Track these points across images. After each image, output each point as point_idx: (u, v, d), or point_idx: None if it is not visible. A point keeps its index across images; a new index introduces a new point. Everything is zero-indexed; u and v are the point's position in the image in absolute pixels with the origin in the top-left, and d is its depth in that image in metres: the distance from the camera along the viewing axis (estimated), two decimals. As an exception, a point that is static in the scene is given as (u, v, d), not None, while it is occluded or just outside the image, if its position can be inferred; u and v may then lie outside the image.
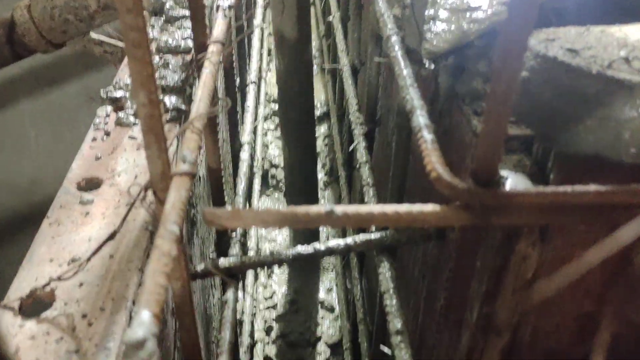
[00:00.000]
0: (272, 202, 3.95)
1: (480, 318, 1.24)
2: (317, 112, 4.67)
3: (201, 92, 1.05)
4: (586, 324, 1.25)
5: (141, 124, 0.76)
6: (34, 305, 0.98)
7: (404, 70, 1.11)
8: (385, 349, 1.36)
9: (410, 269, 1.84)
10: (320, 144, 4.34)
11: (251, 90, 2.52)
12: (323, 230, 3.57)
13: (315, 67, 5.28)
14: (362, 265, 2.34)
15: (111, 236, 1.01)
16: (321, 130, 4.52)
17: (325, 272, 3.40)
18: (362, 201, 2.20)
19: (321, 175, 4.09)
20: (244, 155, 1.87)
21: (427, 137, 0.88)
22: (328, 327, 3.07)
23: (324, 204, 0.76)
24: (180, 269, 0.83)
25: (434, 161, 0.84)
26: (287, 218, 0.78)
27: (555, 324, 1.25)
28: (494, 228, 1.03)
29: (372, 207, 0.79)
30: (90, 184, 1.25)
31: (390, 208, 0.79)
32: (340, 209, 0.79)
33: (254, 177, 2.78)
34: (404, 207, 0.79)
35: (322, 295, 3.28)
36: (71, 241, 1.10)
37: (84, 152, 1.34)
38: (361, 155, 1.77)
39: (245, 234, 1.82)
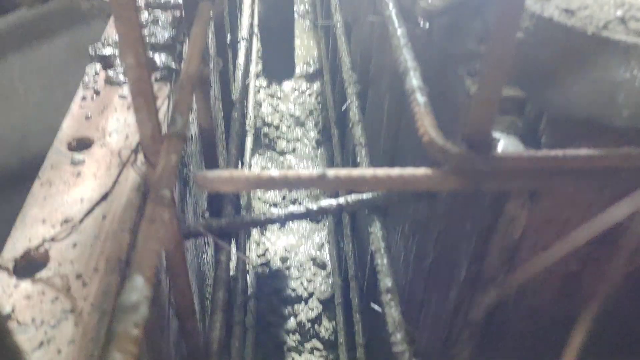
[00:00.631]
0: (264, 161, 3.94)
1: (468, 276, 1.27)
2: (310, 69, 4.61)
3: (191, 52, 1.03)
4: (570, 282, 1.27)
5: (130, 87, 0.75)
6: (28, 266, 0.99)
7: (398, 30, 1.09)
8: (376, 307, 1.39)
9: (401, 226, 1.86)
10: (313, 102, 4.31)
11: (242, 46, 2.48)
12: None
13: (308, 22, 5.18)
14: (353, 222, 2.36)
15: (103, 197, 1.01)
16: (314, 87, 4.47)
17: (317, 229, 3.42)
18: (354, 160, 2.21)
19: (314, 134, 4.06)
20: (236, 114, 1.86)
21: (420, 100, 0.88)
22: (320, 283, 3.13)
23: (316, 168, 0.76)
24: (172, 231, 0.83)
25: (426, 124, 0.83)
26: (278, 181, 0.78)
27: (540, 282, 1.27)
28: (484, 192, 1.04)
29: (364, 171, 0.80)
30: (81, 144, 1.24)
31: (382, 171, 0.80)
32: (332, 172, 0.79)
33: (246, 136, 2.77)
34: (395, 171, 0.80)
35: (313, 252, 3.31)
36: (63, 202, 1.10)
37: (73, 111, 1.33)
38: (354, 114, 1.77)
39: (237, 193, 1.82)
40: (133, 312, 0.58)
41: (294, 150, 4.01)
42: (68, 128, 1.28)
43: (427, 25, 1.31)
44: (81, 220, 1.02)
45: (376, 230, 1.39)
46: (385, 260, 1.30)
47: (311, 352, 2.87)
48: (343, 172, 0.79)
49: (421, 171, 0.81)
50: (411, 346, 1.18)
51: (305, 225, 3.40)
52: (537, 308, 1.29)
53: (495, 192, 1.06)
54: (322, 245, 3.32)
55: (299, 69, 4.66)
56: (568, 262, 1.22)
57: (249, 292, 2.45)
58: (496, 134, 1.07)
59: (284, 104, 4.34)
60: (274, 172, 0.78)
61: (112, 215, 1.08)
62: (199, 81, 1.14)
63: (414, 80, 0.92)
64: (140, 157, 0.83)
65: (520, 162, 0.80)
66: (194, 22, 1.11)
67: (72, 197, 1.12)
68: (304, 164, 3.81)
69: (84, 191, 1.13)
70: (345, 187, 0.79)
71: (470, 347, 1.37)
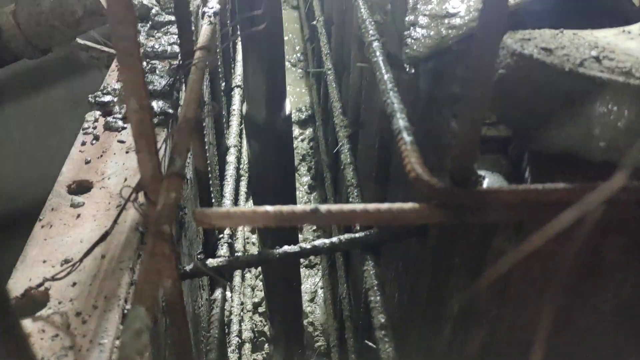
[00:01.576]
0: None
1: (461, 311, 1.29)
2: (302, 116, 4.72)
3: (188, 97, 1.08)
4: (559, 317, 1.30)
5: (132, 129, 0.80)
6: (29, 305, 1.01)
7: (385, 75, 1.15)
8: (370, 344, 1.41)
9: (394, 266, 1.89)
10: (305, 147, 4.38)
11: (236, 93, 2.55)
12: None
13: (300, 70, 5.32)
14: (348, 265, 2.38)
15: (103, 237, 1.04)
16: (306, 133, 4.56)
17: (311, 275, 3.43)
18: (347, 201, 2.25)
19: (307, 179, 4.12)
20: (231, 157, 1.91)
21: (406, 139, 0.93)
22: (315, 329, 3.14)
23: (309, 204, 0.80)
24: (170, 268, 0.87)
25: (412, 161, 0.88)
26: (273, 217, 0.82)
27: (529, 315, 1.30)
28: (470, 225, 1.08)
29: (355, 206, 0.84)
30: (81, 187, 1.28)
31: (372, 206, 0.84)
32: (324, 207, 0.83)
33: (240, 180, 2.81)
34: (385, 206, 0.84)
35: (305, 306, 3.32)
36: (63, 243, 1.13)
37: (73, 156, 1.37)
38: (345, 156, 1.82)
39: (232, 236, 1.86)
40: (136, 339, 0.61)
41: (288, 195, 4.06)
42: (68, 172, 1.33)
43: (413, 70, 1.38)
44: (81, 260, 1.05)
45: (369, 267, 1.42)
46: (378, 298, 1.32)
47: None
48: (335, 207, 0.83)
49: (409, 206, 0.85)
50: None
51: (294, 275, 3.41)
52: (530, 344, 1.31)
53: (482, 227, 1.10)
54: (315, 292, 3.32)
55: (292, 116, 4.76)
56: (555, 296, 1.25)
57: (243, 336, 2.45)
58: (481, 172, 1.11)
59: (278, 150, 4.41)
60: (269, 208, 0.82)
61: (111, 255, 1.11)
62: (195, 126, 1.19)
63: (401, 121, 0.97)
64: (141, 196, 0.87)
65: (501, 196, 0.84)
66: (191, 70, 1.17)
67: (72, 238, 1.15)
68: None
69: (83, 232, 1.16)
70: (338, 221, 0.83)
71: (465, 383, 1.38)
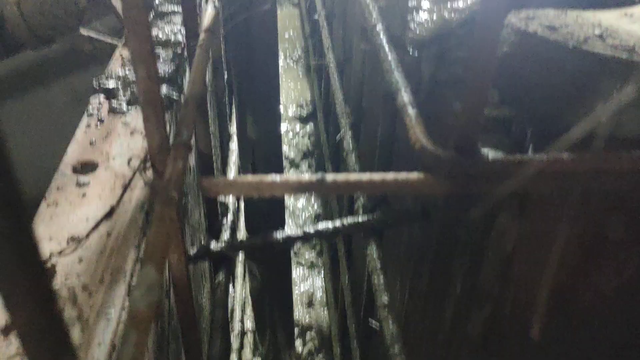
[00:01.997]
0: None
1: (463, 292, 1.30)
2: (304, 112, 4.72)
3: (193, 76, 1.09)
4: (562, 297, 1.31)
5: (140, 97, 0.80)
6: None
7: (389, 55, 1.16)
8: (373, 323, 1.41)
9: (397, 251, 1.90)
10: (306, 143, 4.39)
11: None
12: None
13: (301, 67, 5.33)
14: (349, 253, 2.39)
15: (109, 213, 1.05)
16: (307, 129, 4.57)
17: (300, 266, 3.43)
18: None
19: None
20: (233, 145, 1.92)
21: (411, 112, 0.93)
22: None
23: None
24: (178, 249, 0.87)
25: (417, 132, 0.89)
26: (280, 185, 0.83)
27: (532, 296, 1.31)
28: (475, 195, 1.09)
29: (361, 175, 0.84)
30: (86, 167, 1.28)
31: (377, 176, 0.84)
32: (330, 176, 0.84)
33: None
34: (390, 175, 0.85)
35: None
36: (69, 221, 1.14)
37: (78, 137, 1.38)
38: (348, 144, 1.83)
39: (235, 222, 1.86)
40: (147, 295, 0.62)
41: (288, 190, 4.05)
42: (73, 152, 1.33)
43: (416, 53, 1.38)
44: (87, 236, 1.06)
45: (372, 251, 1.42)
46: (381, 278, 1.33)
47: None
48: (341, 176, 0.84)
49: (414, 175, 0.86)
50: (410, 358, 1.20)
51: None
52: (530, 321, 1.32)
53: (484, 203, 1.11)
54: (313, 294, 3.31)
55: (292, 112, 4.77)
56: (559, 275, 1.26)
57: (245, 327, 2.46)
58: (484, 149, 1.12)
59: (279, 145, 4.43)
60: (275, 177, 0.83)
61: (117, 233, 1.11)
62: (198, 109, 1.20)
63: (405, 95, 0.98)
64: (148, 167, 0.88)
65: (506, 165, 0.85)
66: (196, 51, 1.18)
67: (77, 216, 1.15)
68: (299, 203, 3.86)
69: (89, 211, 1.17)
70: (343, 190, 0.84)
71: (467, 364, 1.38)
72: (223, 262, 1.55)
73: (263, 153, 1.67)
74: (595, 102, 0.95)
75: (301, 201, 3.89)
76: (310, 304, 3.29)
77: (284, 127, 4.57)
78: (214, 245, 1.43)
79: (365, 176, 0.84)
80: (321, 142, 3.18)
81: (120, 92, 1.57)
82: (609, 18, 1.18)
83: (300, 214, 3.83)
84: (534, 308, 1.30)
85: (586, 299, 1.30)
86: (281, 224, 2.89)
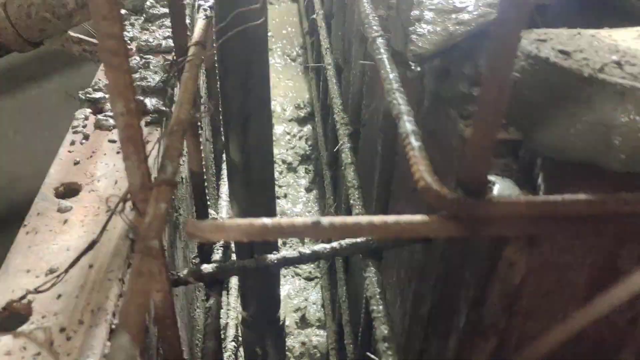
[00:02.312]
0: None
1: (468, 323, 1.23)
2: (301, 113, 4.62)
3: (181, 97, 1.02)
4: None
5: (119, 134, 0.73)
6: (10, 319, 0.95)
7: (390, 74, 1.09)
8: (372, 357, 1.35)
9: (396, 271, 1.83)
10: (304, 146, 4.30)
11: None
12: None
13: (299, 65, 5.24)
14: (347, 267, 2.32)
15: (90, 246, 0.98)
16: (304, 130, 4.48)
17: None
18: (347, 203, 2.19)
19: (305, 181, 4.02)
20: (224, 172, 1.84)
21: (414, 144, 0.86)
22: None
23: (310, 216, 0.74)
24: (161, 282, 0.80)
25: (421, 170, 0.82)
26: (271, 229, 0.76)
27: (540, 328, 1.24)
28: (482, 238, 1.02)
29: (359, 218, 0.77)
30: (69, 190, 1.21)
31: (378, 219, 0.78)
32: (326, 220, 0.77)
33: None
34: (391, 218, 0.78)
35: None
36: (49, 251, 1.07)
37: (62, 156, 1.31)
38: (346, 156, 1.76)
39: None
40: (118, 374, 0.55)
41: (285, 195, 3.98)
42: (56, 173, 1.26)
43: (419, 68, 1.31)
44: (66, 271, 0.99)
45: (371, 275, 1.36)
46: (381, 307, 1.26)
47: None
48: (338, 220, 0.77)
49: (418, 218, 0.79)
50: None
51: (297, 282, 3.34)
52: (537, 354, 1.26)
53: (494, 238, 1.04)
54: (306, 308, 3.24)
55: (290, 113, 4.67)
56: (568, 307, 1.19)
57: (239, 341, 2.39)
58: (491, 177, 1.05)
59: (276, 148, 4.33)
60: (267, 221, 0.76)
61: (99, 264, 1.04)
62: (189, 125, 1.13)
63: (408, 124, 0.91)
64: (129, 205, 0.81)
65: (518, 208, 0.78)
66: (185, 67, 1.10)
67: (58, 245, 1.09)
68: (296, 208, 3.78)
69: (70, 239, 1.10)
70: (340, 235, 0.77)
71: (471, 397, 1.32)
72: (216, 282, 1.48)
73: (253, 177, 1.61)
74: (614, 135, 0.88)
75: (299, 207, 3.82)
76: (303, 319, 3.22)
77: (280, 129, 4.48)
78: (204, 267, 1.36)
79: (365, 219, 0.77)
80: (319, 146, 3.11)
81: (108, 105, 1.49)
82: (626, 39, 1.10)
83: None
84: (542, 340, 1.23)
85: (597, 331, 1.23)
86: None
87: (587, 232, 0.99)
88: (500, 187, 1.06)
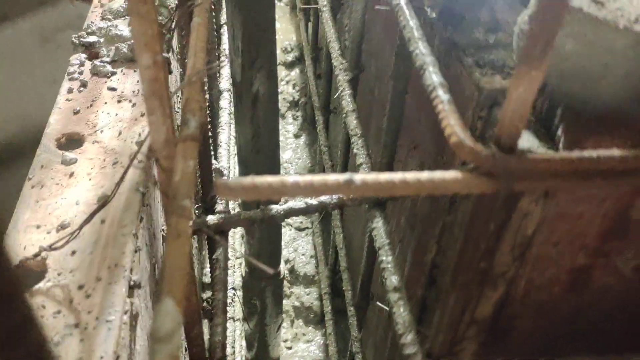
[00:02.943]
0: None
1: (477, 272, 1.24)
2: (289, 57, 4.50)
3: (195, 45, 0.96)
4: (578, 276, 1.27)
5: (144, 88, 0.69)
6: (25, 277, 0.92)
7: (410, 21, 1.04)
8: (383, 306, 1.36)
9: (396, 218, 1.84)
10: (291, 92, 4.21)
11: (225, 31, 2.39)
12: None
13: (285, 6, 5.07)
14: (342, 215, 2.33)
15: (103, 204, 0.95)
16: (292, 75, 4.37)
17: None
18: (344, 150, 2.16)
19: (293, 127, 3.96)
20: (224, 103, 1.79)
21: (443, 97, 0.84)
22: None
23: (344, 173, 0.72)
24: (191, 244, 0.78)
25: (452, 124, 0.79)
26: (303, 188, 0.73)
27: (548, 277, 1.26)
28: (516, 194, 1.01)
29: (392, 175, 0.75)
30: (72, 142, 1.16)
31: (410, 175, 0.76)
32: (359, 177, 0.75)
33: (231, 122, 2.69)
34: (425, 175, 0.76)
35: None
36: (58, 205, 1.03)
37: (60, 105, 1.25)
38: (347, 103, 1.72)
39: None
40: (168, 342, 0.53)
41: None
42: (56, 123, 1.21)
43: (434, 14, 1.27)
44: (80, 229, 0.96)
45: (378, 226, 1.35)
46: (390, 258, 1.26)
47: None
48: (370, 177, 0.75)
49: (451, 175, 0.77)
50: (423, 347, 1.15)
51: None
52: (544, 303, 1.28)
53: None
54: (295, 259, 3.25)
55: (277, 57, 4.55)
56: (577, 256, 1.21)
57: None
58: (525, 143, 1.03)
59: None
60: (299, 178, 0.73)
61: (112, 219, 1.01)
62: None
63: (434, 76, 0.87)
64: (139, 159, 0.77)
65: (553, 164, 0.77)
66: (194, 13, 1.04)
67: (66, 199, 1.05)
68: (285, 155, 3.74)
69: (79, 193, 1.06)
70: (373, 192, 0.75)
71: (476, 344, 1.35)
72: (221, 235, 1.46)
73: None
74: (645, 88, 0.86)
75: (288, 153, 3.79)
76: (292, 271, 3.25)
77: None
78: (210, 218, 1.34)
79: (398, 176, 0.75)
80: (309, 90, 3.05)
81: (103, 49, 1.42)
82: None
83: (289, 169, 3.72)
84: (549, 288, 1.26)
85: (602, 279, 1.26)
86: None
87: (612, 185, 0.99)
88: (520, 140, 1.05)
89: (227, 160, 1.62)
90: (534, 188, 0.80)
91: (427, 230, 1.50)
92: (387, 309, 1.22)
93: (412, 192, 0.76)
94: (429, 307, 1.43)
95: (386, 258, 1.28)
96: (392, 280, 1.23)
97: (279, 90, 4.26)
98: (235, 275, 2.35)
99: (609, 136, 0.98)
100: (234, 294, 1.97)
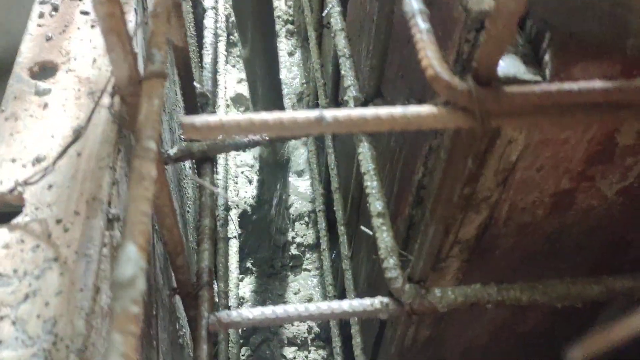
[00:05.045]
0: (237, 72, 3.76)
1: (461, 195, 1.25)
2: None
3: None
4: (562, 199, 1.27)
5: (100, 25, 0.66)
6: (2, 212, 0.93)
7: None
8: (366, 230, 1.38)
9: (387, 138, 1.82)
10: (284, 9, 4.04)
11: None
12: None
13: None
14: (334, 135, 2.31)
15: (76, 137, 0.93)
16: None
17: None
18: (335, 67, 2.11)
19: (287, 47, 3.82)
20: (209, 22, 1.73)
21: (422, 26, 0.80)
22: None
23: (313, 110, 0.70)
24: (159, 181, 0.77)
25: (429, 56, 0.76)
26: (272, 126, 0.72)
27: (532, 201, 1.27)
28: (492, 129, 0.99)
29: (365, 111, 0.74)
30: (45, 70, 1.13)
31: (384, 111, 0.74)
32: (330, 114, 0.73)
33: (218, 42, 2.62)
34: (398, 110, 0.74)
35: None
36: (33, 138, 1.02)
37: (31, 31, 1.20)
38: (336, 22, 1.65)
39: (214, 105, 1.74)
40: (130, 287, 0.54)
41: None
42: (28, 51, 1.16)
43: None
44: (54, 162, 0.95)
45: (365, 150, 1.34)
46: (375, 183, 1.26)
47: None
48: (342, 113, 0.73)
49: (426, 110, 0.75)
50: (404, 270, 1.18)
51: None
52: (527, 224, 1.30)
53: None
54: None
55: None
56: (561, 180, 1.21)
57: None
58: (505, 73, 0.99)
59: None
60: (268, 116, 0.72)
61: (88, 152, 1.00)
62: (174, 6, 1.03)
63: (414, 2, 0.83)
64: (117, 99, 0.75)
65: (532, 98, 0.74)
66: None
67: (41, 132, 1.03)
68: (282, 74, 3.65)
69: (53, 125, 1.05)
70: (345, 129, 0.73)
71: (459, 261, 1.38)
72: (207, 159, 1.46)
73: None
74: (633, 18, 0.82)
75: (282, 73, 3.70)
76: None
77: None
78: (195, 145, 1.33)
79: (370, 112, 0.73)
80: (302, 4, 2.93)
81: (75, -32, 1.34)
82: None
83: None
84: (531, 210, 1.27)
85: (586, 201, 1.26)
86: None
87: (593, 121, 0.97)
88: (505, 66, 1.01)
89: (211, 84, 1.58)
90: (512, 125, 0.78)
91: (414, 152, 1.49)
92: (370, 233, 1.24)
93: (386, 128, 0.75)
94: (415, 226, 1.45)
95: (371, 183, 1.28)
96: (376, 205, 1.24)
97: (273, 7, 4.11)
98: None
99: (595, 65, 0.94)
100: (227, 215, 1.99)
